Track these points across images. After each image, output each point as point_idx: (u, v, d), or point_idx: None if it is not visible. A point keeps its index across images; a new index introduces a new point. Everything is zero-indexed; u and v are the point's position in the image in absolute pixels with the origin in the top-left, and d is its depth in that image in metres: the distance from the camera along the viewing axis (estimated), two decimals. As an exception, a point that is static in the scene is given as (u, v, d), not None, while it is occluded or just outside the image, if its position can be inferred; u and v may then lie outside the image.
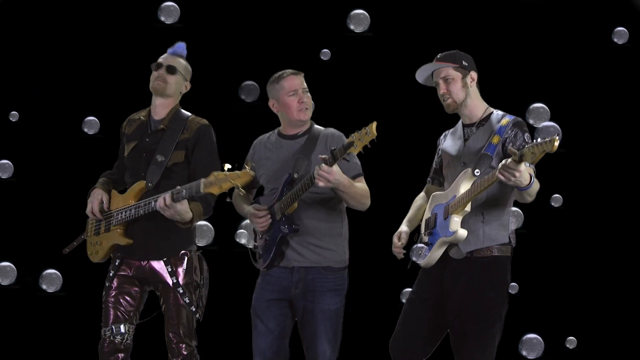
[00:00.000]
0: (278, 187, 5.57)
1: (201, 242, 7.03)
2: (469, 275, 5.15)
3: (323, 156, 5.29)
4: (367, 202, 5.54)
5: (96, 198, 5.60)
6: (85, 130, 7.61)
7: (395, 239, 5.39)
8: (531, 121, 7.51)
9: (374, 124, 5.08)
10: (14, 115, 7.64)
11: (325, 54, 7.65)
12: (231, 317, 6.72)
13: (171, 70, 5.61)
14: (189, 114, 5.68)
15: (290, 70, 5.64)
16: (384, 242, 5.53)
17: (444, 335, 5.32)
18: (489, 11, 7.61)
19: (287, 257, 5.54)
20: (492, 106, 5.35)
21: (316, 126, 5.68)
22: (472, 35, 7.50)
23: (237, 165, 5.22)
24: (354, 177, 5.50)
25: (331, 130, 5.64)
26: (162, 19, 7.64)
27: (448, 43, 7.14)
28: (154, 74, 5.62)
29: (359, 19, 7.68)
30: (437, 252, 5.24)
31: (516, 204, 5.28)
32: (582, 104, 7.60)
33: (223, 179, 5.14)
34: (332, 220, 5.56)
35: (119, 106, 6.20)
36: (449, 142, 5.41)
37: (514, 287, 7.53)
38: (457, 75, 5.26)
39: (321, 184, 5.26)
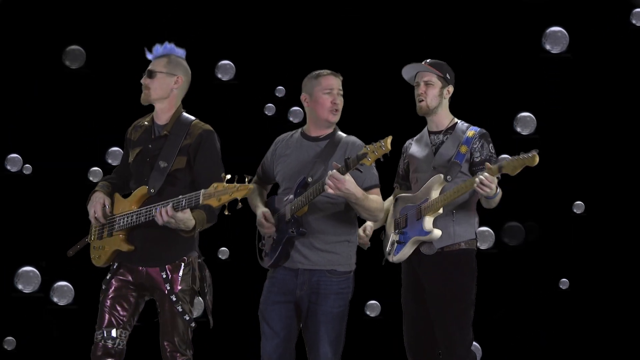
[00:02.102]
0: (292, 188, 5.45)
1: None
2: (442, 267, 5.49)
3: (336, 164, 5.21)
4: (380, 215, 5.47)
5: (98, 202, 5.40)
6: (110, 161, 7.55)
7: (361, 232, 5.58)
8: (519, 129, 7.64)
9: (389, 139, 5.07)
10: (27, 168, 7.55)
11: (280, 90, 7.62)
12: (231, 324, 6.57)
13: (149, 74, 5.37)
14: (192, 118, 5.43)
15: (330, 71, 5.52)
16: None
17: None
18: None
19: (292, 259, 5.42)
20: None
21: (339, 132, 5.56)
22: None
23: (237, 177, 5.01)
24: (369, 188, 5.40)
25: (352, 138, 5.52)
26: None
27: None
28: None
29: None
30: (408, 250, 5.55)
31: (486, 218, 5.62)
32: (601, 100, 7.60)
33: (222, 191, 4.96)
34: (341, 226, 5.44)
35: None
36: (415, 148, 5.69)
37: (564, 283, 7.67)
38: (437, 83, 5.58)
39: (331, 191, 5.17)
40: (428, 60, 5.61)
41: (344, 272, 5.43)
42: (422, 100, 5.56)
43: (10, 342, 7.53)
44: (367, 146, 5.11)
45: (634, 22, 7.62)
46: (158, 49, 5.42)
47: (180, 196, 5.11)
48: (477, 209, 5.60)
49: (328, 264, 5.39)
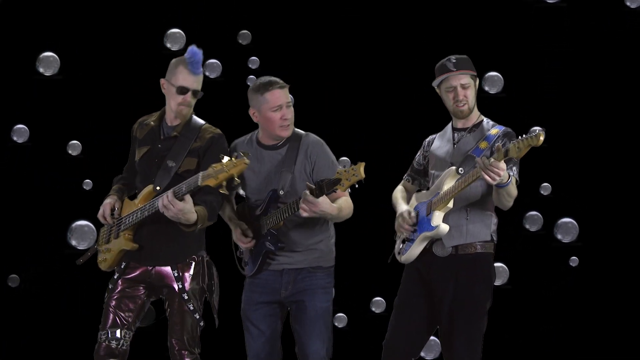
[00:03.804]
0: (263, 201, 5.32)
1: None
2: (455, 272, 5.17)
3: (309, 185, 5.05)
4: (350, 214, 5.31)
5: (108, 204, 5.34)
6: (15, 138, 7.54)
7: (406, 215, 5.27)
8: (487, 88, 7.66)
9: (362, 166, 4.92)
10: (87, 184, 7.51)
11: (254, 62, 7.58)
12: (230, 321, 6.31)
13: (196, 94, 5.31)
14: (202, 121, 5.35)
15: (276, 84, 5.29)
16: (370, 244, 5.54)
17: (434, 331, 5.36)
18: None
19: (277, 261, 5.34)
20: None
21: (296, 131, 5.37)
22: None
23: (236, 155, 4.95)
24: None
25: (311, 137, 5.37)
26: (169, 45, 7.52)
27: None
28: (178, 97, 5.29)
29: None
30: (417, 248, 5.24)
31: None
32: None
33: (219, 169, 4.87)
34: (318, 227, 5.35)
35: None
36: (437, 144, 5.39)
37: (574, 261, 7.60)
38: (472, 83, 5.28)
39: (305, 214, 5.06)
40: (453, 60, 5.26)
41: (327, 267, 5.39)
42: (465, 104, 5.25)
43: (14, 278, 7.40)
44: (341, 171, 4.98)
45: (628, 4, 7.57)
46: (200, 65, 5.32)
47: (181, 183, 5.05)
48: (496, 211, 5.32)
49: (313, 261, 5.35)
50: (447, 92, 5.28)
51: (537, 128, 4.99)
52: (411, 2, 7.58)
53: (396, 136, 6.96)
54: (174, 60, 5.40)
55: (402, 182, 5.55)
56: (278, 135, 5.34)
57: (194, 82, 5.30)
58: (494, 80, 7.70)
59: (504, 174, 4.95)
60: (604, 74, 7.55)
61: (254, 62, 7.62)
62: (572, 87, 7.57)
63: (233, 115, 7.06)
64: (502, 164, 4.91)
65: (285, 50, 7.53)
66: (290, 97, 5.34)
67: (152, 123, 5.42)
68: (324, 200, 5.06)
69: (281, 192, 5.29)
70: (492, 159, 4.91)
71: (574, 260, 7.60)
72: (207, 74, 7.54)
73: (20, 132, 7.58)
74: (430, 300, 5.24)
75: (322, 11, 7.53)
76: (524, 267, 7.50)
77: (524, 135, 4.88)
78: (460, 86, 5.24)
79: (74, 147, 7.58)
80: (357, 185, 4.96)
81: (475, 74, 5.29)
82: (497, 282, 7.15)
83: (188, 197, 5.03)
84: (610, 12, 7.48)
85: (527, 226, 7.69)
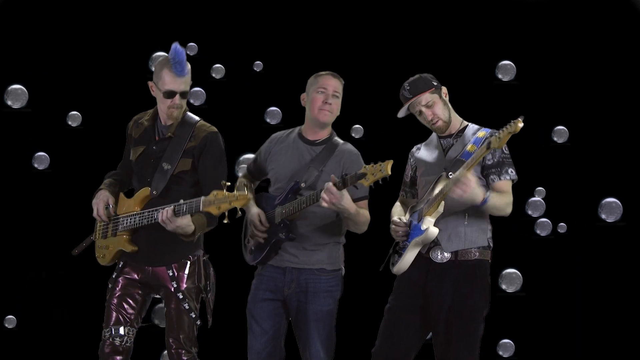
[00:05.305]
0: (284, 190, 5.32)
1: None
2: (455, 278, 5.08)
3: (334, 177, 5.01)
4: (365, 229, 5.29)
5: (102, 200, 5.29)
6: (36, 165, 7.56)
7: (397, 219, 5.21)
8: (500, 76, 7.68)
9: (390, 164, 4.87)
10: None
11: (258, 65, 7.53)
12: (228, 320, 6.48)
13: (185, 95, 5.25)
14: (196, 118, 5.31)
15: (331, 73, 5.37)
16: (380, 250, 5.38)
17: (424, 339, 5.25)
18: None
19: (281, 257, 5.33)
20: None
21: (336, 138, 5.39)
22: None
23: (231, 185, 4.92)
24: (360, 199, 5.22)
25: (348, 146, 5.37)
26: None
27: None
28: (166, 101, 5.23)
29: None
30: (409, 255, 5.14)
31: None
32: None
33: (222, 199, 4.86)
34: (329, 230, 5.33)
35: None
36: (424, 152, 5.33)
37: (562, 227, 7.48)
38: (435, 97, 5.19)
39: (324, 204, 5.00)
40: (407, 87, 5.22)
41: (332, 270, 5.35)
42: (437, 121, 5.21)
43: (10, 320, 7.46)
44: (367, 166, 4.91)
45: None
46: (185, 66, 5.24)
47: (182, 201, 5.04)
48: (490, 219, 5.25)
49: (317, 263, 5.32)
50: (418, 116, 5.27)
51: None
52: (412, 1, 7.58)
53: (397, 139, 6.81)
54: (158, 63, 5.33)
55: (399, 198, 5.48)
56: (315, 118, 5.33)
57: (181, 83, 5.24)
58: (507, 68, 7.71)
59: (474, 192, 4.92)
60: (614, 66, 7.57)
61: (258, 65, 7.64)
62: (583, 80, 7.60)
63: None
64: (471, 181, 4.90)
65: (284, 52, 7.58)
66: (340, 91, 5.36)
67: (145, 123, 5.38)
68: (346, 194, 5.03)
69: (303, 185, 5.27)
70: (459, 172, 4.90)
71: (562, 227, 7.51)
72: (191, 101, 7.37)
73: (41, 160, 7.61)
74: (425, 307, 5.15)
75: (322, 10, 7.55)
76: (534, 267, 7.37)
77: (504, 128, 4.84)
78: (425, 107, 5.21)
79: (74, 118, 7.59)
80: (380, 182, 4.92)
81: (434, 87, 5.23)
82: (510, 289, 7.12)
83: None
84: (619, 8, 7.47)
85: (530, 212, 7.62)
